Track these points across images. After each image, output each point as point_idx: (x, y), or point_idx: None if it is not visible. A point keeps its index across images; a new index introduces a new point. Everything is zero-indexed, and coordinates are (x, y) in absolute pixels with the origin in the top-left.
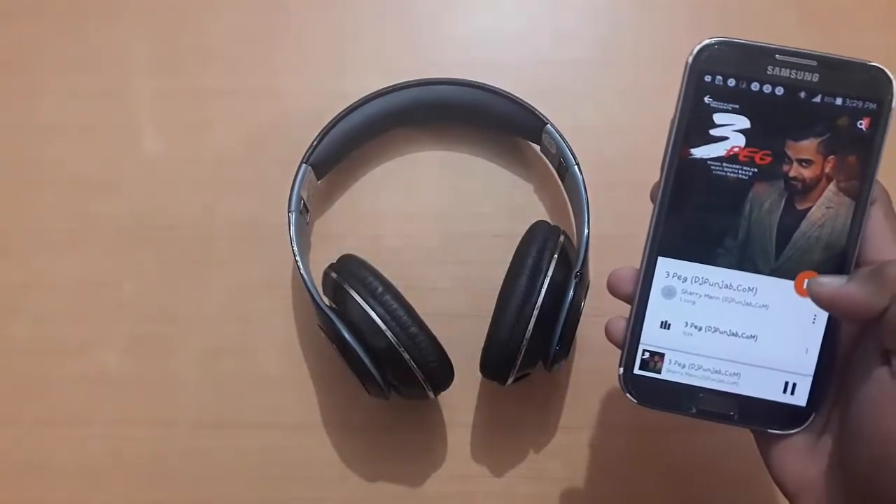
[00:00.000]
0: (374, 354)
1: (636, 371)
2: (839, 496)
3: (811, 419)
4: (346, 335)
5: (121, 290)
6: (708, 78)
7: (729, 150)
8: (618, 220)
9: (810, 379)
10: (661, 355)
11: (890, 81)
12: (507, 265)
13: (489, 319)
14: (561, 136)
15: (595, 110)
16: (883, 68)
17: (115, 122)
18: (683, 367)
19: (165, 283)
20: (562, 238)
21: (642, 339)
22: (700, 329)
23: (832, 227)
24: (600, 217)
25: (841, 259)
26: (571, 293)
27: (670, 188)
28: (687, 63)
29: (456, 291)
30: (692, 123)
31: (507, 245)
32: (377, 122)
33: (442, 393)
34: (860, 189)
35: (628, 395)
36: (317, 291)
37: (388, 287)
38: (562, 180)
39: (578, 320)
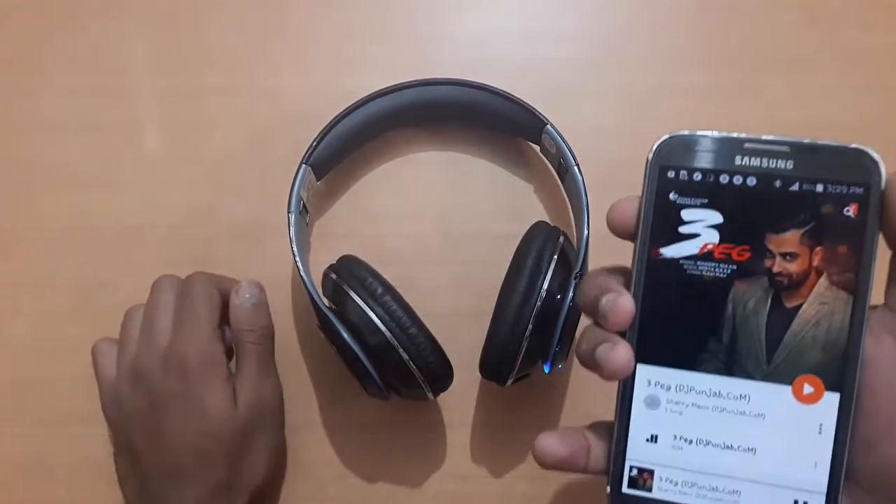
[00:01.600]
0: (373, 355)
1: (625, 490)
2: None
3: None
4: (346, 336)
5: (121, 290)
6: (671, 174)
7: (702, 248)
8: None
9: (823, 497)
10: (651, 472)
11: (876, 162)
12: (507, 265)
13: (489, 320)
14: (561, 136)
15: (595, 111)
16: (866, 150)
17: (115, 121)
18: (676, 484)
19: None
20: (561, 239)
21: (628, 455)
22: (690, 442)
23: (829, 325)
24: (600, 217)
25: (842, 360)
26: (571, 294)
27: (642, 290)
28: (648, 160)
29: (456, 291)
30: (659, 222)
31: (507, 245)
32: (377, 123)
33: (441, 393)
34: (856, 281)
35: None
36: (316, 292)
37: (388, 288)
38: (561, 181)
39: (578, 321)
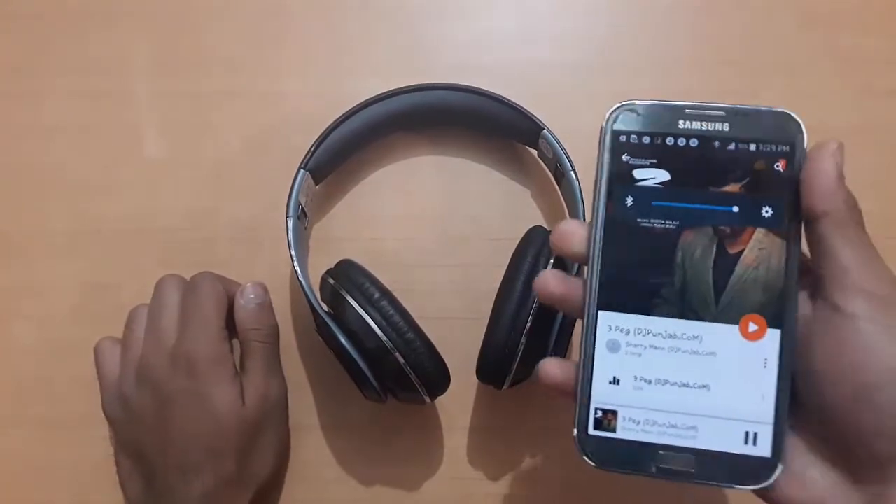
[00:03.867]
0: (370, 359)
1: (591, 432)
2: (823, 457)
3: (778, 471)
4: (343, 341)
5: (122, 293)
6: (623, 138)
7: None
8: None
9: (771, 427)
10: (615, 413)
11: (798, 124)
12: (504, 269)
13: (486, 323)
14: (557, 140)
15: (592, 115)
16: (790, 113)
17: (115, 125)
18: (638, 423)
19: None
20: None
21: (593, 398)
22: (650, 382)
23: (767, 268)
24: None
25: (781, 299)
26: None
27: (600, 244)
28: (602, 126)
29: (453, 295)
30: (613, 181)
31: (504, 249)
32: (375, 128)
33: (439, 397)
34: (788, 227)
35: (585, 458)
36: (315, 297)
37: (385, 293)
38: (558, 185)
39: (574, 325)
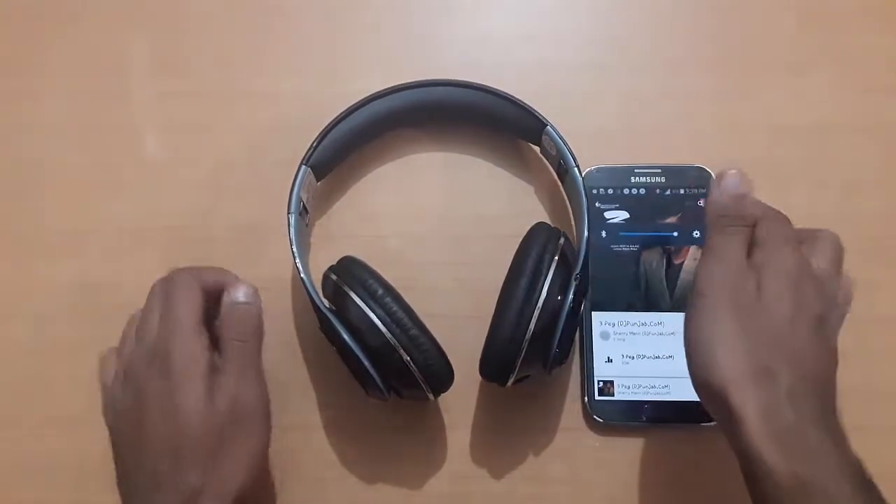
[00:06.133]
0: (373, 356)
1: (596, 398)
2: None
3: None
4: (346, 337)
5: (121, 292)
6: (595, 191)
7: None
8: None
9: None
10: (612, 382)
11: (709, 173)
12: (508, 266)
13: (489, 321)
14: (561, 137)
15: (596, 114)
16: (704, 167)
17: (115, 124)
18: (629, 388)
19: None
20: (562, 240)
21: (595, 373)
22: (633, 358)
23: None
24: None
25: None
26: (571, 295)
27: (591, 265)
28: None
29: (457, 292)
30: (592, 220)
31: (508, 246)
32: (377, 124)
33: (442, 395)
34: None
35: (595, 416)
36: (317, 293)
37: (388, 289)
38: (561, 182)
39: (578, 321)
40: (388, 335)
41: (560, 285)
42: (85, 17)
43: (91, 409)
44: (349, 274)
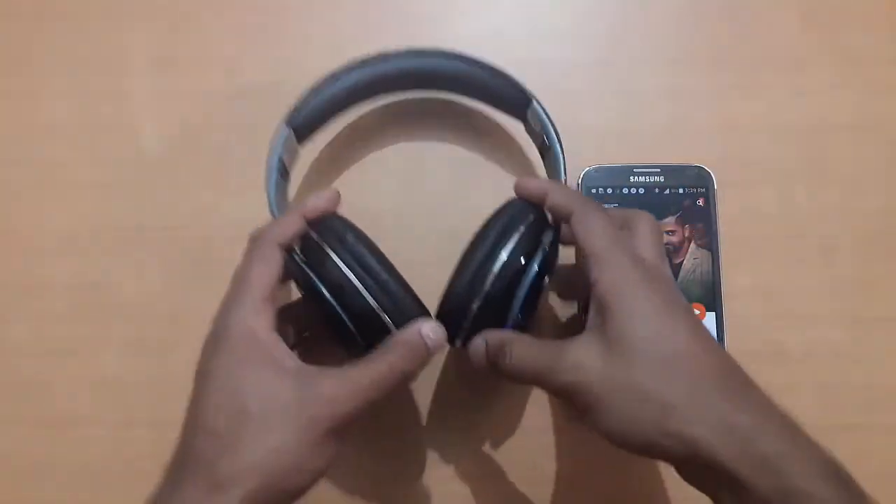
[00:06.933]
0: (341, 301)
1: None
2: None
3: None
4: (314, 279)
5: (120, 291)
6: (594, 190)
7: None
8: None
9: None
10: None
11: (709, 173)
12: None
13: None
14: (546, 112)
15: (595, 112)
16: (703, 167)
17: (114, 122)
18: None
19: (165, 283)
20: (533, 216)
21: None
22: None
23: (700, 272)
24: None
25: (712, 292)
26: (537, 264)
27: None
28: (578, 183)
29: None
30: None
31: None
32: (362, 90)
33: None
34: (710, 243)
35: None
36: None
37: (359, 238)
38: (543, 160)
39: (542, 292)
40: (353, 279)
41: (527, 252)
42: (83, 15)
43: (90, 409)
44: (323, 225)
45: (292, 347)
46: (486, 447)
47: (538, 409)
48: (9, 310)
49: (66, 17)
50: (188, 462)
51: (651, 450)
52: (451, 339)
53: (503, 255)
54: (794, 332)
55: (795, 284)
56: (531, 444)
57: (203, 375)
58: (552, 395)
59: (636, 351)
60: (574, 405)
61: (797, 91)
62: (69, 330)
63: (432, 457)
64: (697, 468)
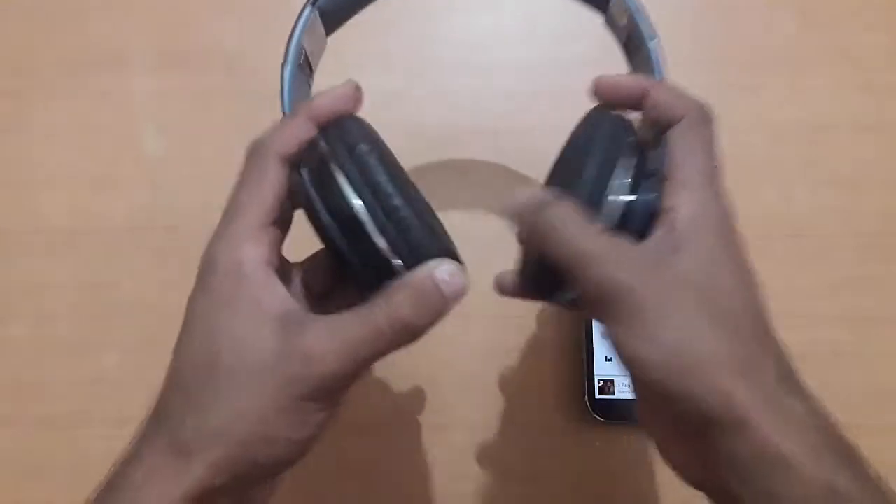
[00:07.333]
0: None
1: (597, 396)
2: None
3: None
4: (314, 198)
5: (120, 290)
6: None
7: None
8: None
9: None
10: (612, 381)
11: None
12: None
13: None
14: (635, 3)
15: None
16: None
17: (114, 121)
18: (628, 386)
19: (164, 282)
20: (631, 137)
21: (595, 372)
22: None
23: None
24: None
25: None
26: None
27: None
28: None
29: None
30: None
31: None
32: None
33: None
34: None
35: (595, 415)
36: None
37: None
38: (629, 59)
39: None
40: (353, 200)
41: (631, 185)
42: (83, 13)
43: (90, 408)
44: (332, 130)
45: (319, 298)
46: (488, 447)
47: (538, 409)
48: (9, 309)
49: (66, 17)
50: (160, 417)
51: (679, 394)
52: (541, 293)
53: (611, 194)
54: (794, 332)
55: (795, 284)
56: (531, 444)
57: (185, 320)
58: (584, 292)
59: (702, 288)
60: (606, 314)
61: (796, 91)
62: (69, 330)
63: (433, 456)
64: (712, 439)
